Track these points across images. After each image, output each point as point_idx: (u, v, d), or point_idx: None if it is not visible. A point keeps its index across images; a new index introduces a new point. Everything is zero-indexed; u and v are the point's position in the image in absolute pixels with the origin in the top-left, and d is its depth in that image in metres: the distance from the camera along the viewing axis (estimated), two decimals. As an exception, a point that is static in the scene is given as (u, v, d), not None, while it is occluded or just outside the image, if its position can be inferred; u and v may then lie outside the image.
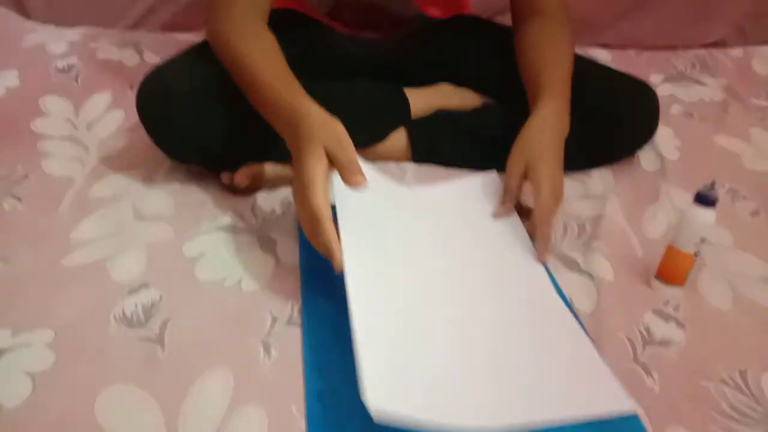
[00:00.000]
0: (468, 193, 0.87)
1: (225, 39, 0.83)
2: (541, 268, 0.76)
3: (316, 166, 0.67)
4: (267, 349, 0.67)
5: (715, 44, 1.48)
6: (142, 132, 0.88)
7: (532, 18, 0.97)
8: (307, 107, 0.72)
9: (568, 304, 0.74)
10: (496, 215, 0.83)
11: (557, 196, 0.79)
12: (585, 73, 0.97)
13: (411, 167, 1.00)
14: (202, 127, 0.86)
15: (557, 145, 0.83)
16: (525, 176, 0.82)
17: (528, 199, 0.84)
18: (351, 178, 0.69)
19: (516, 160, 0.82)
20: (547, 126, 0.84)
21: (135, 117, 1.05)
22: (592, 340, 0.67)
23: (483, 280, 0.73)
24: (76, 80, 1.18)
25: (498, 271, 0.75)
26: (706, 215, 0.74)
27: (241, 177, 0.88)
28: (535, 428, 0.55)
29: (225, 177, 0.91)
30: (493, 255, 0.77)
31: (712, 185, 0.74)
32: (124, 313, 0.70)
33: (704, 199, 0.74)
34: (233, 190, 0.91)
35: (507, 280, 0.74)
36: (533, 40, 0.95)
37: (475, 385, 0.59)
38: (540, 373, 0.61)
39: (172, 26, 1.41)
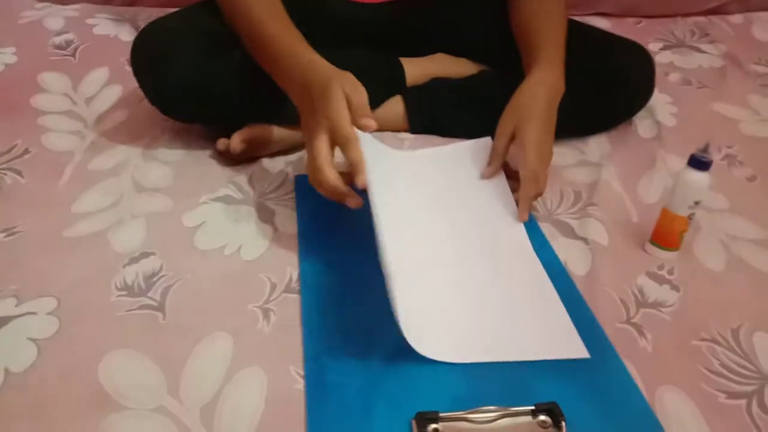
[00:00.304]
0: (460, 156, 0.89)
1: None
2: (521, 227, 0.79)
3: (341, 102, 0.70)
4: (266, 314, 0.68)
5: (716, 11, 1.47)
6: (140, 106, 0.89)
7: None
8: (319, 59, 0.76)
9: (562, 268, 0.76)
10: (483, 176, 0.85)
11: (543, 158, 0.81)
12: (581, 37, 0.98)
13: (409, 137, 1.01)
14: (200, 75, 0.86)
15: (547, 109, 0.83)
16: (513, 139, 0.83)
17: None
18: (362, 120, 0.70)
19: (505, 124, 0.84)
20: (538, 90, 0.84)
21: (133, 92, 1.08)
22: (581, 298, 0.71)
23: (471, 238, 0.78)
24: (74, 56, 1.18)
25: (483, 229, 0.79)
26: (700, 178, 0.75)
27: (237, 142, 0.89)
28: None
29: (221, 143, 0.91)
30: (479, 214, 0.81)
31: (706, 148, 0.74)
32: (125, 282, 0.71)
33: (698, 161, 0.74)
34: (230, 156, 0.92)
35: (489, 237, 0.78)
36: (528, 8, 0.95)
37: (465, 325, 0.67)
38: (511, 318, 0.68)
39: (167, 2, 1.40)
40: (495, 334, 0.66)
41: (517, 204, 0.81)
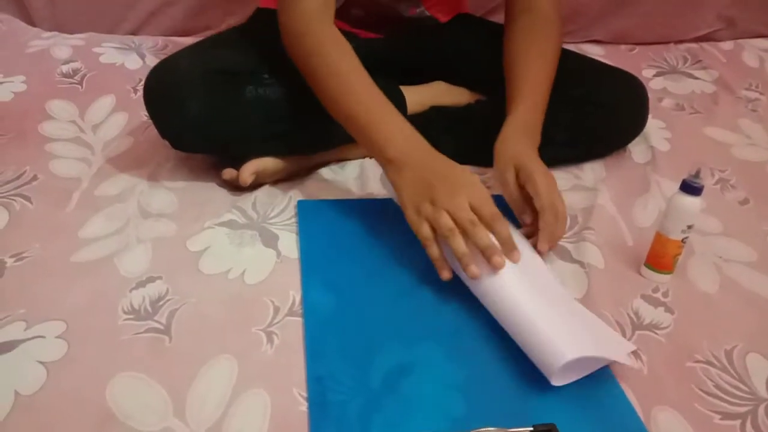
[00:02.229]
0: None
1: (299, 36, 0.86)
2: (539, 258, 0.78)
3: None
4: (270, 337, 0.70)
5: (707, 37, 1.50)
6: (146, 133, 0.91)
7: (522, 17, 0.98)
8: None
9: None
10: (526, 229, 0.82)
11: (553, 186, 0.81)
12: (575, 67, 1.00)
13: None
14: (212, 114, 0.88)
15: (535, 149, 0.85)
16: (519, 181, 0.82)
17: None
18: (514, 252, 0.74)
19: (504, 170, 0.82)
20: (520, 133, 0.86)
21: (138, 119, 1.10)
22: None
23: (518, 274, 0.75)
24: (81, 84, 1.21)
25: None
26: (692, 202, 0.77)
27: (247, 175, 0.91)
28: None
29: (227, 173, 0.93)
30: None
31: (698, 173, 0.76)
32: (132, 305, 0.73)
33: (690, 186, 0.76)
34: (235, 185, 0.94)
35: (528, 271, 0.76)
36: (515, 47, 0.96)
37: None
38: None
39: (172, 31, 1.44)
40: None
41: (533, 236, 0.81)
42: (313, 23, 0.86)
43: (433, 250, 0.75)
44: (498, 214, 0.74)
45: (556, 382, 0.63)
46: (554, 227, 0.79)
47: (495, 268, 0.71)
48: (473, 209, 0.73)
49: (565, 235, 0.88)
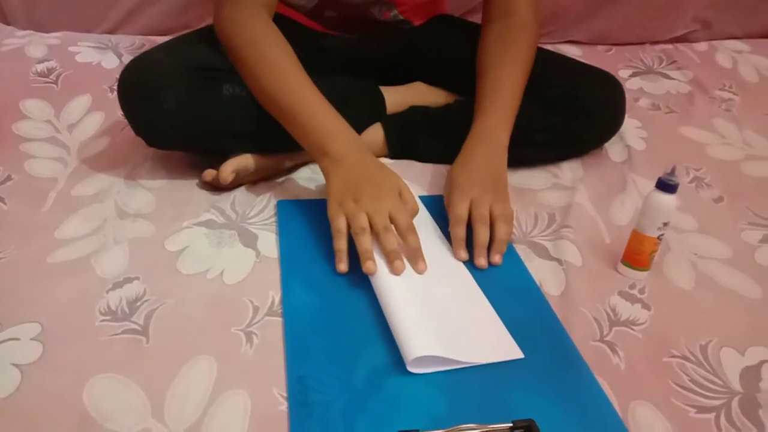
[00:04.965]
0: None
1: (239, 29, 0.87)
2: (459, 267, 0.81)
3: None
4: (249, 337, 0.69)
5: (682, 39, 1.53)
6: (123, 133, 0.90)
7: (499, 21, 0.99)
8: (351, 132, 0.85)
9: (537, 288, 0.78)
10: (459, 257, 0.82)
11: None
12: (553, 68, 1.01)
13: (388, 163, 1.03)
14: (188, 111, 0.88)
15: (495, 155, 0.88)
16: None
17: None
18: (420, 264, 0.78)
19: (446, 195, 0.86)
20: (474, 146, 0.89)
21: (115, 118, 1.09)
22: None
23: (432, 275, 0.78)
24: (56, 83, 1.19)
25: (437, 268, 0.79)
26: (667, 200, 0.78)
27: (227, 173, 0.90)
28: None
29: (207, 174, 0.93)
30: (435, 259, 0.80)
31: (673, 171, 0.77)
32: (109, 306, 0.72)
33: (665, 184, 0.77)
34: (216, 186, 0.93)
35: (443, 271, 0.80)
36: (488, 51, 0.97)
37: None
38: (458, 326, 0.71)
39: (151, 31, 1.43)
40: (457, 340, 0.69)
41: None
42: (249, 18, 0.88)
43: (340, 243, 0.77)
44: (412, 227, 0.78)
45: (413, 369, 0.66)
46: (482, 237, 0.81)
47: (395, 272, 0.74)
48: (391, 217, 0.77)
49: (543, 233, 0.89)
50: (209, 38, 0.94)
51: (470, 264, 0.81)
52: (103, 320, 0.70)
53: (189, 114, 0.88)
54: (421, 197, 0.91)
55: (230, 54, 0.89)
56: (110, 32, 1.42)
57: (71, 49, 1.31)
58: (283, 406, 0.62)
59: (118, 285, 0.75)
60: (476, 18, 1.07)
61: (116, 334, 0.69)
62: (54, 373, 0.64)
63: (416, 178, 0.99)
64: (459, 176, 0.86)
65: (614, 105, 1.04)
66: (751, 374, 0.69)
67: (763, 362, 0.70)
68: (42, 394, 0.61)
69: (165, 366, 0.65)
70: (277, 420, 0.60)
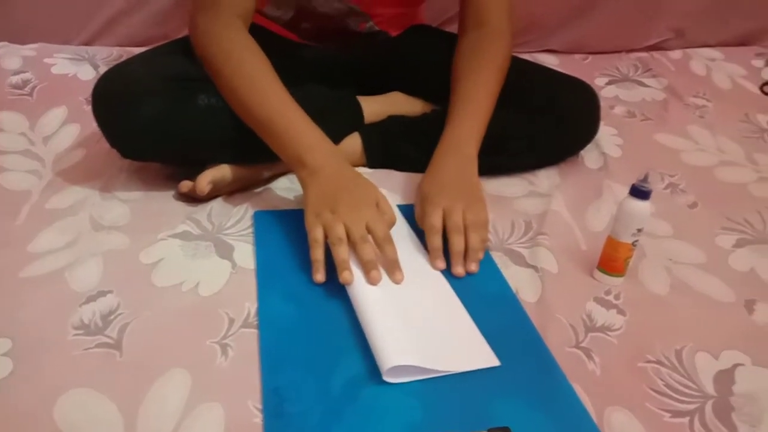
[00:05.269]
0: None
1: (215, 40, 0.87)
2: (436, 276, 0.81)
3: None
4: (224, 349, 0.69)
5: (657, 47, 1.55)
6: (98, 145, 0.90)
7: (473, 31, 1.00)
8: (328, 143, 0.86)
9: (514, 295, 0.78)
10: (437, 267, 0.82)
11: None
12: (529, 76, 1.02)
13: (366, 172, 1.03)
14: (164, 122, 0.87)
15: (458, 181, 0.88)
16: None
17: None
18: (396, 273, 0.78)
19: (432, 214, 0.83)
20: (444, 169, 0.89)
21: (91, 130, 1.08)
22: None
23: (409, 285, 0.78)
24: (31, 95, 1.18)
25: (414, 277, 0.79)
26: (641, 206, 0.79)
27: (203, 184, 0.90)
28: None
29: (183, 186, 0.92)
30: (413, 269, 0.80)
31: (646, 178, 0.78)
32: (82, 320, 0.71)
33: (638, 190, 0.78)
34: (192, 197, 0.92)
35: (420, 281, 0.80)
36: (462, 61, 0.98)
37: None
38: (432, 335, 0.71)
39: (129, 41, 1.42)
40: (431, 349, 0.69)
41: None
42: (225, 29, 0.88)
43: (317, 253, 0.77)
44: (389, 237, 0.78)
45: (389, 379, 0.65)
46: (458, 245, 0.81)
47: (371, 282, 0.75)
48: (368, 228, 0.77)
49: (519, 240, 0.89)
50: (185, 49, 0.94)
51: (448, 272, 0.81)
52: (75, 334, 0.69)
53: (164, 124, 0.88)
54: (399, 206, 0.92)
55: (206, 65, 0.88)
56: (88, 43, 1.41)
57: (47, 60, 1.30)
58: (258, 419, 0.61)
59: (91, 298, 0.74)
60: (453, 28, 1.08)
61: (89, 348, 0.68)
62: (24, 390, 0.63)
63: (394, 187, 0.99)
64: (429, 187, 0.86)
65: (589, 112, 1.05)
66: (724, 378, 0.69)
67: (736, 366, 0.71)
68: (11, 411, 0.60)
69: (138, 380, 0.64)
70: (252, 432, 0.60)
